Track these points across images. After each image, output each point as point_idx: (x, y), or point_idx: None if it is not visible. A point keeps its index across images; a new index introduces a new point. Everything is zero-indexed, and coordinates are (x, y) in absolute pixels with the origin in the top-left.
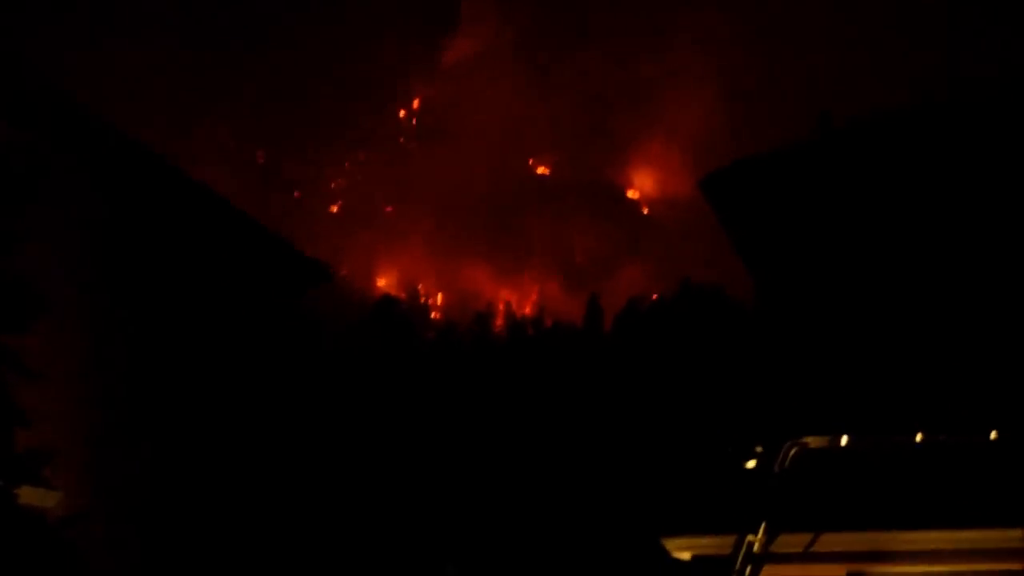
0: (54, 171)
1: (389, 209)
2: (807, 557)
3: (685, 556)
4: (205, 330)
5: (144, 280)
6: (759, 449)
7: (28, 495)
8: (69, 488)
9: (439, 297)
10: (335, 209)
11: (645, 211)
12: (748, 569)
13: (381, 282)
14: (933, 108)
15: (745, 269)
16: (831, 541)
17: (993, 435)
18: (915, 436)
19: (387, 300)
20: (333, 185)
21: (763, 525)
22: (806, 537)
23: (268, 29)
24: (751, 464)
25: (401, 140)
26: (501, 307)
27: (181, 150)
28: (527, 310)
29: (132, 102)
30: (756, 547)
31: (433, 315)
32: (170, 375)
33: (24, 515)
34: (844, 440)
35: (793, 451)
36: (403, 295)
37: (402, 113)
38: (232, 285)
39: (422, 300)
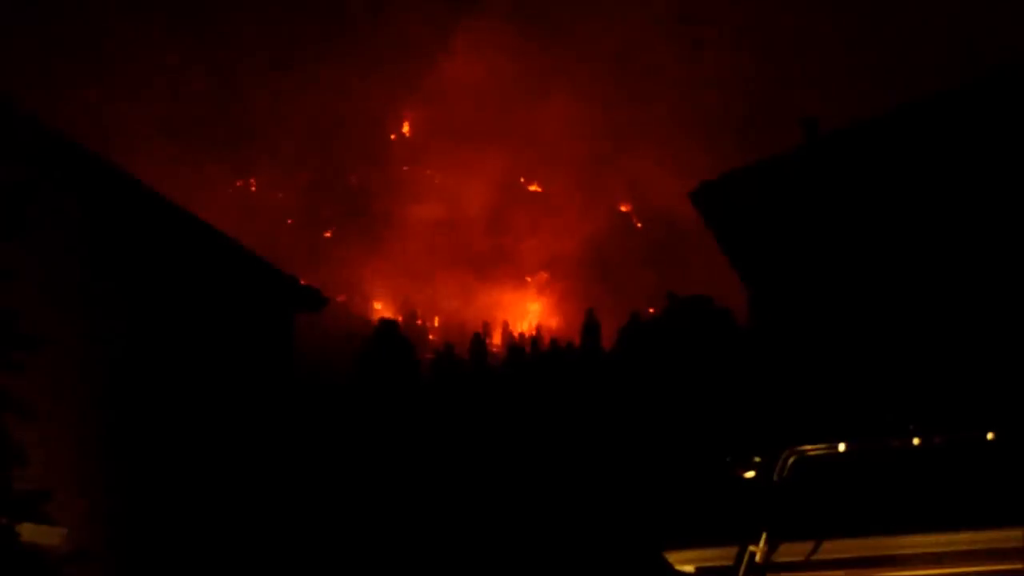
0: (40, 204)
1: (384, 233)
2: (810, 565)
3: (689, 569)
4: (201, 362)
5: (137, 314)
6: (757, 459)
7: (31, 532)
8: (74, 525)
9: (435, 320)
10: (328, 235)
11: (639, 225)
12: None
13: (378, 305)
14: (917, 110)
15: (739, 280)
16: (833, 548)
17: (990, 436)
18: (912, 439)
19: (386, 324)
20: (326, 212)
21: (764, 535)
22: (808, 545)
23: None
24: (750, 474)
25: (393, 164)
26: (499, 327)
27: (172, 181)
28: (525, 328)
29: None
30: (758, 557)
31: (431, 336)
32: (169, 409)
33: (25, 553)
34: (842, 447)
35: (791, 459)
36: (400, 318)
37: (392, 136)
38: (226, 315)
39: (419, 322)
